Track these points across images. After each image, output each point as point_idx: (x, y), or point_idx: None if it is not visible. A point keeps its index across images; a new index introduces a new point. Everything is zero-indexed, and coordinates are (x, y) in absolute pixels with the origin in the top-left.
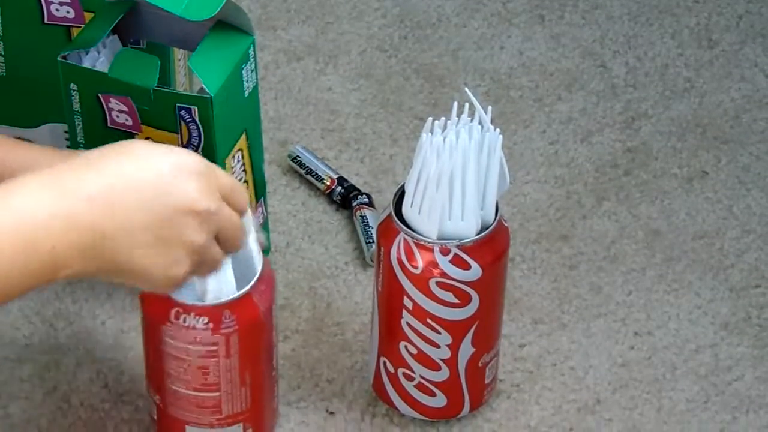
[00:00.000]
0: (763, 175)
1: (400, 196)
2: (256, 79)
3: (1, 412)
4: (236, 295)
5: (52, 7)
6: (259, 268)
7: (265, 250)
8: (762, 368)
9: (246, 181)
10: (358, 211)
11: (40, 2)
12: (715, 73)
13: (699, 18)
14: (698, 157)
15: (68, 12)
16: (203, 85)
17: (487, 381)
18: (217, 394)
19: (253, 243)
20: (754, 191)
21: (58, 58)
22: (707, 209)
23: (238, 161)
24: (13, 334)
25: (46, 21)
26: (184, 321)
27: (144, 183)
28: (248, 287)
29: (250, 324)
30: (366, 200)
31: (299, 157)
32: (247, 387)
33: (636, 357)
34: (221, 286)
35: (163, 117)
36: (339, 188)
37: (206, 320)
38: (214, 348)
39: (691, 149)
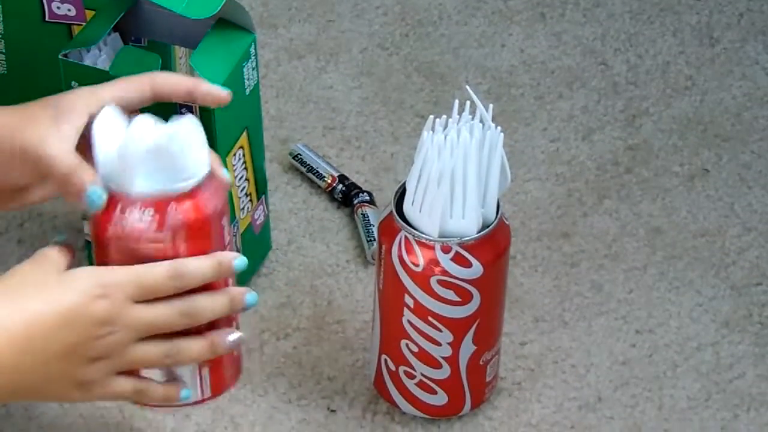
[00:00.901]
0: (764, 172)
1: (401, 194)
2: (257, 77)
3: (3, 411)
4: (177, 188)
5: (53, 5)
6: (205, 172)
7: (267, 247)
8: (763, 366)
9: (247, 179)
10: (359, 209)
11: (41, 0)
12: (716, 71)
13: (700, 16)
14: (699, 154)
15: (69, 10)
16: None
17: (488, 379)
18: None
19: (203, 149)
20: (755, 189)
21: (60, 56)
22: (708, 207)
23: (239, 159)
24: None
25: (47, 19)
26: (129, 215)
27: (50, 317)
28: (190, 183)
29: (195, 223)
30: (367, 198)
31: (300, 155)
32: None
33: (637, 355)
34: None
35: (165, 115)
36: (340, 186)
37: (152, 212)
38: (160, 245)
39: (692, 147)
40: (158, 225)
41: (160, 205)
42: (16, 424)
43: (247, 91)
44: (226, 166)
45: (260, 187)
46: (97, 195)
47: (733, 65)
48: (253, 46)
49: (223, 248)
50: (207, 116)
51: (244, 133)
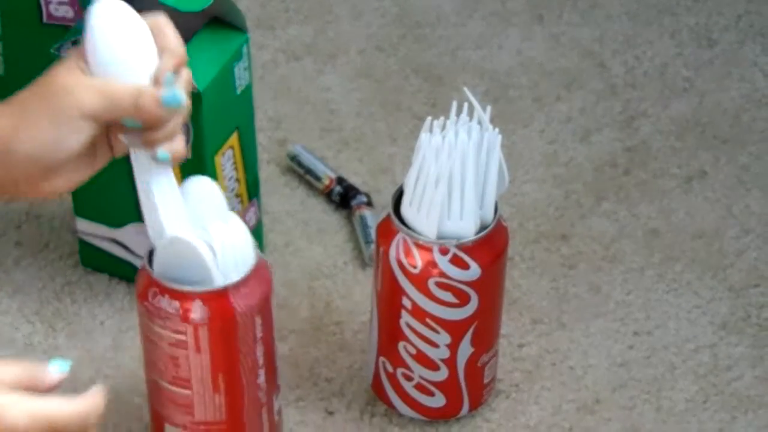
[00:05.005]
0: (762, 174)
1: (399, 196)
2: (250, 77)
3: None
4: (212, 287)
5: (51, 7)
6: (247, 267)
7: (260, 248)
8: (761, 368)
9: (237, 180)
10: (357, 211)
11: (39, 1)
12: (714, 73)
13: (698, 17)
14: (697, 156)
15: (67, 11)
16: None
17: (486, 381)
18: (188, 392)
19: (246, 234)
20: (753, 191)
21: (52, 50)
22: (706, 209)
23: (229, 159)
24: (12, 334)
25: (45, 20)
26: (159, 302)
27: None
28: (228, 283)
29: (223, 321)
30: (365, 200)
31: (298, 156)
32: (221, 394)
33: (635, 356)
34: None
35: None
36: (338, 188)
37: (177, 305)
38: (183, 338)
39: (690, 149)
40: (182, 318)
41: (186, 298)
42: None
43: (239, 91)
44: (214, 165)
45: (252, 189)
46: (174, 95)
47: (731, 67)
48: (245, 46)
49: (253, 342)
50: (195, 114)
51: (235, 133)
